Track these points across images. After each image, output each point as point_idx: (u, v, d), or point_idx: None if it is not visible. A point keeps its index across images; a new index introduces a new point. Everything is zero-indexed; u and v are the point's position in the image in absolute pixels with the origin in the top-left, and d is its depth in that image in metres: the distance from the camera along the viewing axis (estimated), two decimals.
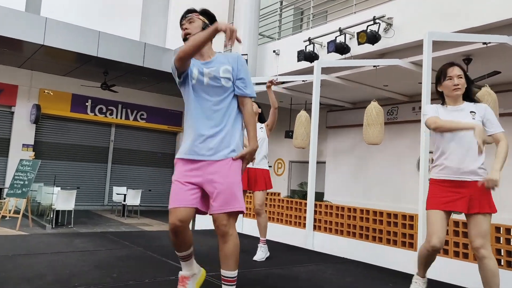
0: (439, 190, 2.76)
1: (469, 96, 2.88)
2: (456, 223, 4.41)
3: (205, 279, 2.76)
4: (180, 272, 2.62)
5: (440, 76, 2.90)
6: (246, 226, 6.97)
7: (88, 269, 3.31)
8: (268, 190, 4.63)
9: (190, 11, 2.71)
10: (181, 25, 2.69)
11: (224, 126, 2.51)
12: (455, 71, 2.84)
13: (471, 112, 2.78)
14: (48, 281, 2.92)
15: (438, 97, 2.98)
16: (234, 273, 2.47)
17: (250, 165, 4.28)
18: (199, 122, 2.50)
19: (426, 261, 2.87)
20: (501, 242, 4.06)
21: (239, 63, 2.59)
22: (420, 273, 2.97)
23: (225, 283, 2.46)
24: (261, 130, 4.50)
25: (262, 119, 4.72)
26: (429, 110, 2.86)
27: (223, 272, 2.46)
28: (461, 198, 2.68)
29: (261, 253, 4.28)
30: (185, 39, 2.61)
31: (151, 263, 3.58)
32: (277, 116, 4.58)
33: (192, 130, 2.52)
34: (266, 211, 6.68)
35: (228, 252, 2.43)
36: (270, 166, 4.81)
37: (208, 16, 2.71)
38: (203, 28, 2.59)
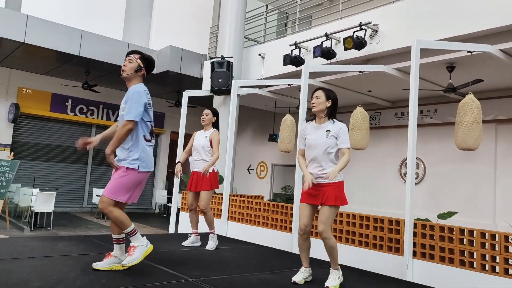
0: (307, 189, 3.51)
1: (333, 115, 3.59)
2: (442, 228, 4.48)
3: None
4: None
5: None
6: (231, 230, 6.93)
7: (76, 274, 3.22)
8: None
9: (134, 52, 3.35)
10: (124, 59, 3.31)
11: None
12: (313, 95, 3.62)
13: (327, 131, 3.50)
14: None
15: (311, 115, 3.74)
16: (121, 236, 3.40)
17: (195, 169, 4.89)
18: None
19: (302, 247, 3.57)
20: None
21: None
22: (304, 264, 3.61)
23: (115, 242, 3.43)
24: (205, 139, 4.87)
25: (216, 125, 5.05)
26: (299, 140, 3.72)
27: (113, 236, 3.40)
28: (317, 194, 3.48)
29: (212, 243, 4.76)
30: (119, 74, 3.31)
31: (140, 268, 3.51)
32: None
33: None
34: (251, 214, 6.69)
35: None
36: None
37: (147, 62, 3.35)
38: (136, 71, 3.30)
